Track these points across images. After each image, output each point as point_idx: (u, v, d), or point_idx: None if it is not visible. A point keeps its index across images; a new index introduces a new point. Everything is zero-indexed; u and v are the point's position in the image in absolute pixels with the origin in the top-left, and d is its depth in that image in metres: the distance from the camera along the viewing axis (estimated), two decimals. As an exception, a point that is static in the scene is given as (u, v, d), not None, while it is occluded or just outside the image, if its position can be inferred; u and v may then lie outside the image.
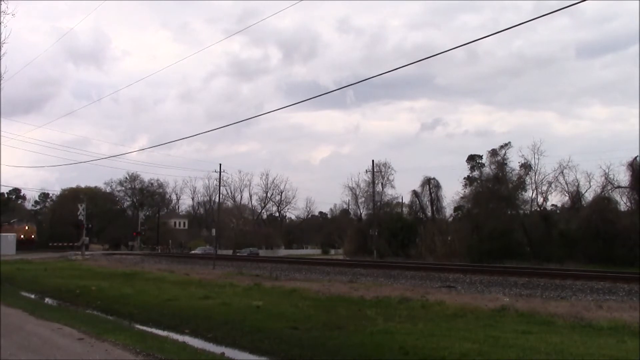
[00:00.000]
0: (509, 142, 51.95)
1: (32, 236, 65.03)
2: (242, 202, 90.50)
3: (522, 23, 17.61)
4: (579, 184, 49.30)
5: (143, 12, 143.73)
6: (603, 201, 45.03)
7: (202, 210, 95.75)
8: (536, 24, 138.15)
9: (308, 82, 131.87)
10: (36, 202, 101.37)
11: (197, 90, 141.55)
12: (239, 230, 79.12)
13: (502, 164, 51.71)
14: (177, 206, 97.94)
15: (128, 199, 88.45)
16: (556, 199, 55.57)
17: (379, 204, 58.76)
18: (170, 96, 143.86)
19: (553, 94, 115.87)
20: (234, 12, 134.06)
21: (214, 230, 36.07)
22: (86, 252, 41.81)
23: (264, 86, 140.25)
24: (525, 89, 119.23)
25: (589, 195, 48.51)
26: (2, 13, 17.46)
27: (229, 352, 8.39)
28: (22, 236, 61.17)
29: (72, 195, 74.91)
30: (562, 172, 49.05)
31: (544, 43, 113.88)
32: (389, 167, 61.30)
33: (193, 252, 57.74)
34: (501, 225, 46.45)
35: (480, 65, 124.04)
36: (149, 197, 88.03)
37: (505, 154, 51.84)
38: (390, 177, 61.34)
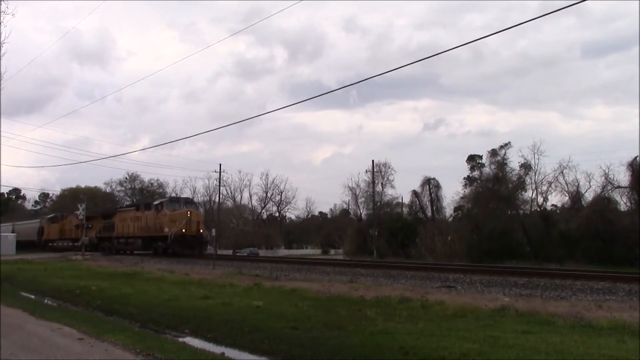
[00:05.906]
0: (509, 142, 52.11)
1: (201, 230, 37.16)
2: (242, 202, 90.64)
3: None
4: (579, 184, 49.50)
5: (148, 12, 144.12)
6: (603, 201, 45.10)
7: (202, 210, 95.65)
8: (542, 24, 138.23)
9: (312, 82, 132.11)
10: (36, 202, 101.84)
11: (201, 90, 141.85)
12: (239, 230, 79.14)
13: (502, 164, 51.78)
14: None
15: (128, 199, 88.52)
16: (556, 199, 55.71)
17: (379, 204, 58.79)
18: (174, 96, 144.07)
19: (557, 94, 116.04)
20: (239, 12, 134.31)
21: (214, 230, 35.82)
22: (86, 252, 41.76)
23: (268, 86, 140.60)
24: (529, 89, 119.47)
25: (589, 195, 48.70)
26: (2, 13, 17.47)
27: (229, 352, 8.39)
28: (183, 230, 35.13)
29: (72, 195, 74.91)
30: (562, 172, 49.26)
31: (549, 43, 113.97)
32: (389, 167, 61.49)
33: (193, 252, 57.40)
34: (501, 225, 46.52)
35: (485, 65, 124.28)
36: (149, 197, 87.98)
37: (505, 154, 51.99)
38: (390, 177, 61.54)
